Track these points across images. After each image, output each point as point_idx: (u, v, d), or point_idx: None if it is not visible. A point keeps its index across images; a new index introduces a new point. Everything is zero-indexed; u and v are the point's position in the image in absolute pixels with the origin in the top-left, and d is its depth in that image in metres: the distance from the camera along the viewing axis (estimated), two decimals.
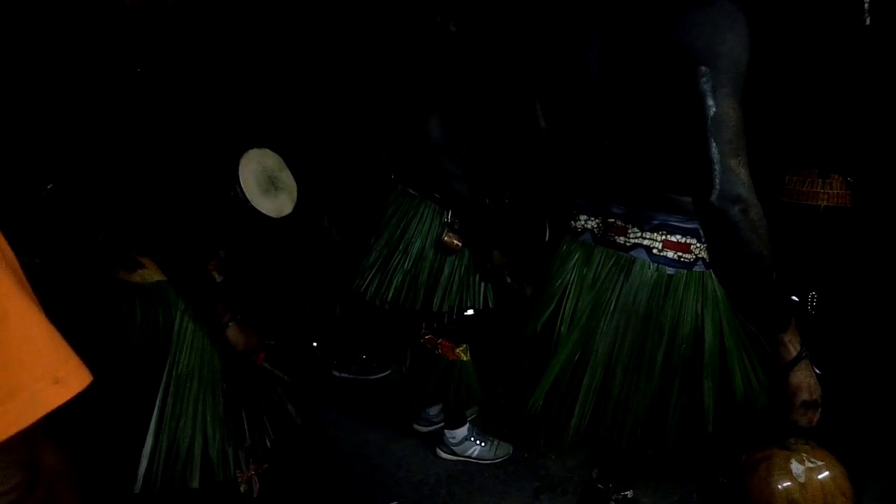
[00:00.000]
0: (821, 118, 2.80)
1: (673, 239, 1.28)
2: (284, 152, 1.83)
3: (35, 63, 1.54)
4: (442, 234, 2.24)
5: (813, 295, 2.97)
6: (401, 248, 2.28)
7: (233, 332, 1.56)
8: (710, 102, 1.09)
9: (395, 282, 2.28)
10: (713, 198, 1.10)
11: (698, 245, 1.28)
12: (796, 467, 1.28)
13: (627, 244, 1.32)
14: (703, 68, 1.09)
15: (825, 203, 2.88)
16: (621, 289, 1.30)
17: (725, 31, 1.09)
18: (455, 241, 2.24)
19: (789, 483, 1.26)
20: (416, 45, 2.23)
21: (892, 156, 2.85)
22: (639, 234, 1.31)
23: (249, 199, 1.61)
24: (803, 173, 2.92)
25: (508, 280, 2.28)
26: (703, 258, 1.30)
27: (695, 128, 1.11)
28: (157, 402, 1.52)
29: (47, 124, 1.58)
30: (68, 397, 0.58)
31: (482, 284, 2.30)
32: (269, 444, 1.69)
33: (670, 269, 1.29)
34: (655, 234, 1.29)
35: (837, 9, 2.76)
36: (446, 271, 2.26)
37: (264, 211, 1.65)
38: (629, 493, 1.54)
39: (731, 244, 1.13)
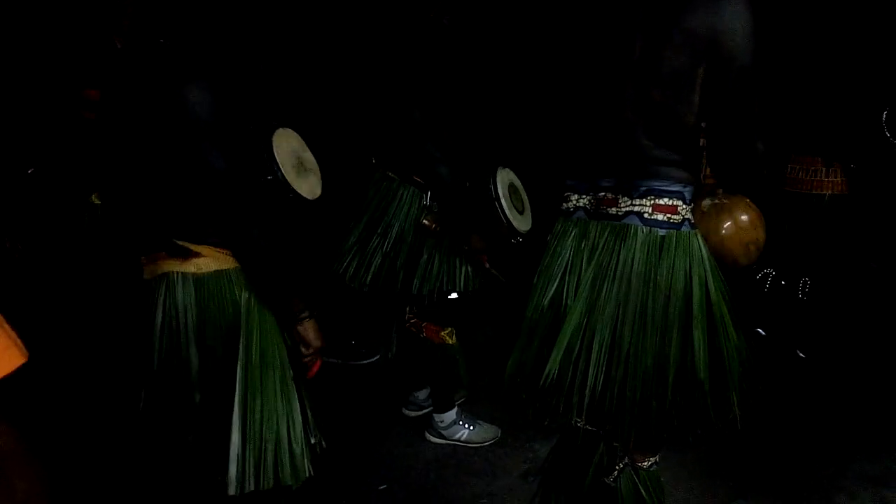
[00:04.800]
0: (826, 105, 2.77)
1: (661, 202, 1.38)
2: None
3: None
4: (421, 218, 2.24)
5: (805, 281, 2.99)
6: (380, 230, 2.28)
7: (309, 328, 1.51)
8: (753, 100, 1.31)
9: (373, 265, 2.27)
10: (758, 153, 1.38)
11: (684, 206, 1.40)
12: (705, 202, 1.61)
13: (619, 213, 1.41)
14: (749, 70, 1.28)
15: (830, 192, 2.86)
16: (619, 254, 1.39)
17: (753, 29, 1.26)
18: (434, 225, 2.24)
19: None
20: (406, 35, 2.22)
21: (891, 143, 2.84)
22: (629, 202, 1.40)
23: (290, 181, 1.54)
24: (805, 161, 2.90)
25: (487, 265, 2.29)
26: (688, 219, 1.40)
27: (740, 118, 1.34)
28: (237, 397, 1.43)
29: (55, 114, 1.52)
30: None
31: (463, 268, 2.30)
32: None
33: (661, 230, 1.38)
34: (644, 200, 1.39)
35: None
36: (425, 254, 2.26)
37: (303, 194, 1.57)
38: (627, 460, 1.58)
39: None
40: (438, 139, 2.17)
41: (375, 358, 3.27)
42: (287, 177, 1.55)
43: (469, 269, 2.31)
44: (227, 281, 1.46)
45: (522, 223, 2.24)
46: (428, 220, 2.23)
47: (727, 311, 1.39)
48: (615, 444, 1.55)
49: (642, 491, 1.56)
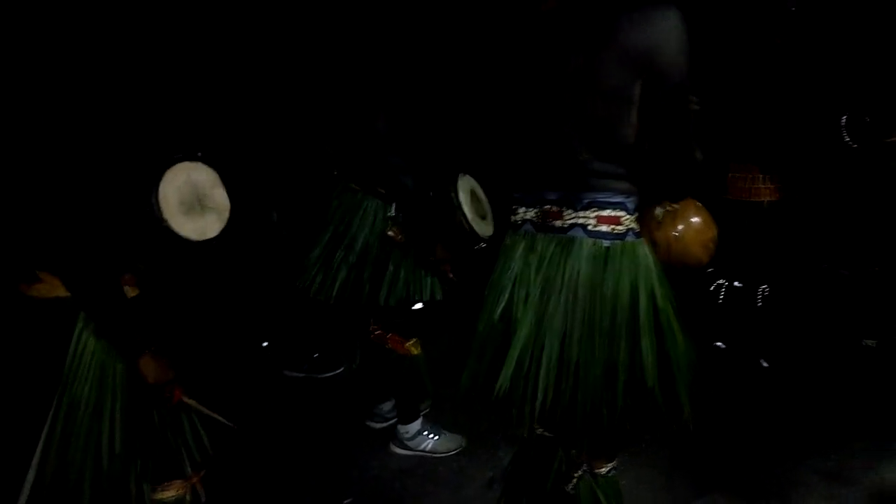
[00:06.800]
0: (762, 115, 2.86)
1: (604, 213, 1.41)
2: (230, 151, 1.77)
3: None
4: (386, 229, 2.25)
5: (764, 288, 3.07)
6: (345, 242, 2.27)
7: (144, 363, 1.48)
8: (688, 112, 1.33)
9: (339, 277, 2.27)
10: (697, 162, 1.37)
11: (627, 217, 1.43)
12: (658, 211, 1.63)
13: (565, 226, 1.43)
14: (684, 84, 1.30)
15: (767, 199, 2.96)
16: (566, 266, 1.41)
17: (686, 45, 1.29)
18: (400, 236, 2.24)
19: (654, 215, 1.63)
20: (367, 42, 2.24)
21: (824, 151, 2.95)
22: (573, 215, 1.43)
23: (166, 217, 1.48)
24: (743, 169, 2.98)
25: (451, 276, 2.31)
26: (632, 229, 1.43)
27: (678, 129, 1.36)
28: (45, 431, 1.42)
29: None
30: None
31: (428, 278, 2.31)
32: (189, 464, 1.62)
33: (606, 241, 1.41)
34: (588, 212, 1.42)
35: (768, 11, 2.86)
36: (391, 265, 2.27)
37: (183, 232, 1.51)
38: (585, 467, 1.60)
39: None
40: (402, 149, 2.18)
41: (339, 371, 3.25)
42: (165, 212, 1.48)
43: (435, 278, 2.33)
44: (61, 309, 1.46)
45: (485, 228, 2.27)
46: (393, 232, 2.24)
47: (674, 318, 1.41)
48: (573, 452, 1.57)
49: (601, 497, 1.58)
